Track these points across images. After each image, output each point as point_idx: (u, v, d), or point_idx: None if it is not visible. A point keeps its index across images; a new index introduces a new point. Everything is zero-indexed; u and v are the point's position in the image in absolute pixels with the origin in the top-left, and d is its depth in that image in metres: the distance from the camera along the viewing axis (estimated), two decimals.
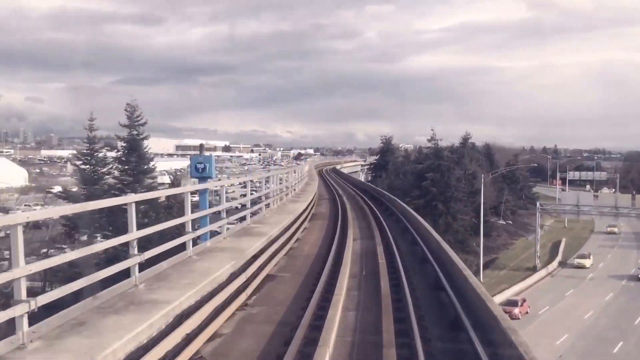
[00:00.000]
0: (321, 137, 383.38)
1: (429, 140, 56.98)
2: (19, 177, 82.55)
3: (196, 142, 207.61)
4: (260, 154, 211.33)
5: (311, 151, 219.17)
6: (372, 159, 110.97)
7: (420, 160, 62.02)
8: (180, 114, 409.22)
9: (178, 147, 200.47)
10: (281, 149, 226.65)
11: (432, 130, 56.26)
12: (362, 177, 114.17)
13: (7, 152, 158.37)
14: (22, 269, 4.82)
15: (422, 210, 44.32)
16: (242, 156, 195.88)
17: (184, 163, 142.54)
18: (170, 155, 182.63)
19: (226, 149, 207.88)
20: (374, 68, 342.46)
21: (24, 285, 4.85)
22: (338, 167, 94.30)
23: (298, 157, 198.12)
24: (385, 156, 78.29)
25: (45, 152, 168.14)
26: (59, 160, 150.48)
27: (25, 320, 4.84)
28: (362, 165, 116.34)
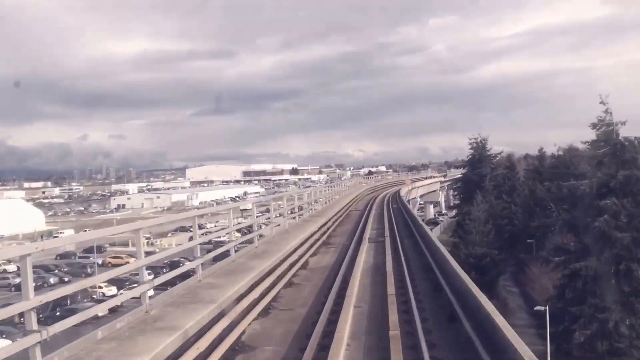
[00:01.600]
0: (394, 154, 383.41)
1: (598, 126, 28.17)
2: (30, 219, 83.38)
3: (264, 167, 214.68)
4: (328, 175, 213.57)
5: (383, 168, 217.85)
6: (455, 173, 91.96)
7: (544, 171, 46.90)
8: (253, 141, 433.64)
9: (245, 173, 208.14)
10: (351, 168, 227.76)
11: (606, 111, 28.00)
12: (442, 199, 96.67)
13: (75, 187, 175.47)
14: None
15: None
16: (309, 178, 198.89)
17: (247, 189, 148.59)
18: (237, 181, 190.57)
19: (294, 171, 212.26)
20: (444, 80, 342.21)
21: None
22: (404, 191, 64.49)
23: (369, 175, 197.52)
24: (478, 167, 55.51)
25: (115, 187, 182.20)
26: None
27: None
28: (441, 182, 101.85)
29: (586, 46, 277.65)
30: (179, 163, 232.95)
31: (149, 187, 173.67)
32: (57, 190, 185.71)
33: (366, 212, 30.82)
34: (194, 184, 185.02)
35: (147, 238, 52.46)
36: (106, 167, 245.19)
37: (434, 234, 13.58)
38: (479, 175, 53.44)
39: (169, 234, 65.85)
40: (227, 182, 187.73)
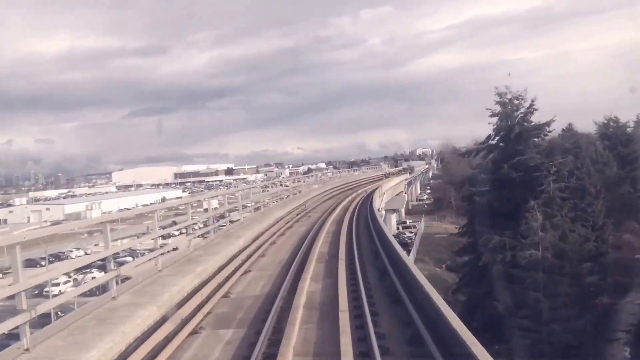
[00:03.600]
0: (334, 150, 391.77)
1: None
2: None
3: (197, 167, 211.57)
4: (266, 174, 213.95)
5: (323, 165, 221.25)
6: (418, 166, 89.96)
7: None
8: (192, 141, 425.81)
9: (177, 175, 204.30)
10: (290, 166, 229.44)
11: None
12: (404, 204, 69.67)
13: None
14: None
15: None
16: (245, 178, 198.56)
17: (167, 194, 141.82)
18: (168, 184, 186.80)
19: (229, 171, 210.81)
20: (381, 75, 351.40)
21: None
22: (377, 199, 39.73)
23: (307, 172, 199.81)
24: (515, 151, 33.38)
25: (34, 194, 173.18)
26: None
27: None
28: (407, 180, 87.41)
29: (519, 38, 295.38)
30: (115, 166, 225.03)
31: (71, 193, 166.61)
32: None
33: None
34: (121, 188, 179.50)
35: None
36: (34, 173, 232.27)
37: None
38: (519, 166, 32.58)
39: None
40: (157, 185, 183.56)
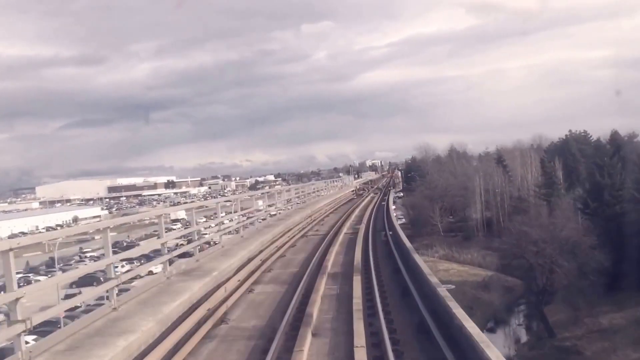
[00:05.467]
0: (282, 163, 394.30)
1: None
2: None
3: (134, 180, 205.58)
4: (210, 187, 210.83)
5: (271, 177, 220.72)
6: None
7: None
8: (134, 153, 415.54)
9: (111, 189, 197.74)
10: (237, 178, 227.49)
11: None
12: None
13: None
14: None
15: None
16: (187, 192, 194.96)
17: (80, 213, 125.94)
18: (100, 199, 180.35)
19: (170, 184, 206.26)
20: (327, 88, 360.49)
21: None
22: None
23: (255, 186, 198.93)
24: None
25: None
26: None
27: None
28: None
29: (458, 55, 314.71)
30: (51, 180, 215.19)
31: None
32: None
33: None
34: (45, 204, 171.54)
35: None
36: None
37: None
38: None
39: None
40: (86, 200, 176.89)
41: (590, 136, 77.46)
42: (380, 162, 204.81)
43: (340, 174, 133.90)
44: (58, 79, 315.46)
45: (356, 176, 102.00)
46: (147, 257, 39.83)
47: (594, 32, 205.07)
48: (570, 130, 79.63)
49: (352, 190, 63.75)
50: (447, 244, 68.79)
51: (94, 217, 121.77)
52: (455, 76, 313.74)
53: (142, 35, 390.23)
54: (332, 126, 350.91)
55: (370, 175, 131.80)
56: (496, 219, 73.41)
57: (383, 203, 48.30)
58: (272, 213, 25.69)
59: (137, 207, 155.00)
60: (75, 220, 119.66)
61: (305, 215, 28.70)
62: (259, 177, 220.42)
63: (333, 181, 64.50)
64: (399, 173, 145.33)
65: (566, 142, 77.65)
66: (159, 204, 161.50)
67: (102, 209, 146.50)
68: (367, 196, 61.80)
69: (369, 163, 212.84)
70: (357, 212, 37.88)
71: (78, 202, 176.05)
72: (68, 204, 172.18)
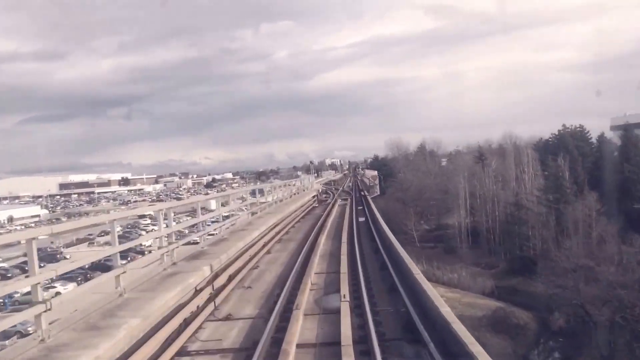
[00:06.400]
0: (242, 161, 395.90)
1: None
2: None
3: (87, 177, 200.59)
4: (165, 185, 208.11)
5: (229, 175, 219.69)
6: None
7: None
8: (93, 149, 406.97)
9: (62, 186, 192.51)
10: (194, 176, 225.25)
11: None
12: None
13: None
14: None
15: None
16: (142, 189, 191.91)
17: (16, 212, 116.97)
18: (52, 196, 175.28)
19: (124, 182, 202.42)
20: (288, 87, 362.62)
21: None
22: None
23: (211, 184, 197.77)
24: None
25: None
26: None
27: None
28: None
29: (415, 57, 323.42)
30: (5, 175, 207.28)
31: None
32: None
33: None
34: None
35: None
36: None
37: None
38: None
39: None
40: (37, 197, 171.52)
41: (588, 132, 72.58)
42: (340, 161, 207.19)
43: (299, 173, 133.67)
44: (18, 74, 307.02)
45: (316, 175, 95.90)
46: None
47: (550, 35, 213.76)
48: (564, 125, 74.47)
49: (314, 196, 44.76)
50: (425, 257, 54.54)
51: (32, 216, 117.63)
52: (414, 77, 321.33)
53: (104, 31, 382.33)
54: (293, 125, 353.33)
55: (332, 175, 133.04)
56: (486, 228, 63.04)
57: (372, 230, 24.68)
58: None
59: (85, 205, 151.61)
60: (10, 220, 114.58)
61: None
62: (217, 175, 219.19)
63: (288, 184, 41.16)
64: (375, 173, 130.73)
65: (561, 138, 71.10)
66: (108, 202, 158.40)
67: (42, 207, 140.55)
68: (332, 204, 41.06)
69: (328, 162, 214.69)
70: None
71: (27, 199, 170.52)
72: (16, 201, 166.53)
